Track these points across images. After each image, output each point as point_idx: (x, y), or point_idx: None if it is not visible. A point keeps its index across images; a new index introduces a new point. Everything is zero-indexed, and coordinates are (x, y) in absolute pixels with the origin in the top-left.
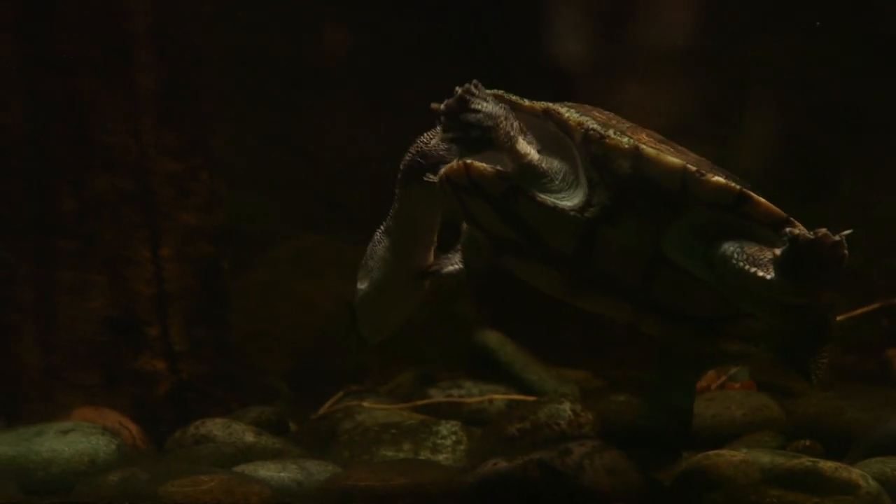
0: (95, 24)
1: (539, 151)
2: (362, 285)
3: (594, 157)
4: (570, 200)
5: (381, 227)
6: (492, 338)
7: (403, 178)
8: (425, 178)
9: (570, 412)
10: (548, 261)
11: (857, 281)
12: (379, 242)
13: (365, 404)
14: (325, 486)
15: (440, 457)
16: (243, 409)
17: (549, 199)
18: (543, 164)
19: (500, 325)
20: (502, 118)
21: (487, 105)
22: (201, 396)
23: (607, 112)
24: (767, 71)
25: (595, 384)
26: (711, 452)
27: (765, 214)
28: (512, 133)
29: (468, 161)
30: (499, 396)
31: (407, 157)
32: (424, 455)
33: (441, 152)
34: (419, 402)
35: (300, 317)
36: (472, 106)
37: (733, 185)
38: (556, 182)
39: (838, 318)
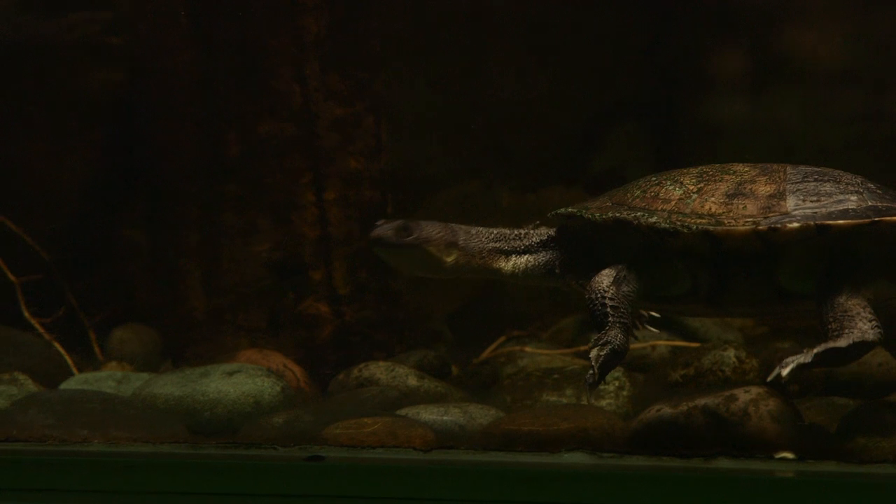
0: None
1: (632, 260)
2: (449, 258)
3: (677, 250)
4: (680, 289)
5: (496, 232)
6: None
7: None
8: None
9: (734, 359)
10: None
11: None
12: (477, 238)
13: (527, 349)
14: (487, 430)
15: (603, 402)
16: (406, 353)
17: (662, 294)
18: (644, 278)
19: None
20: (626, 318)
21: (620, 332)
22: (364, 340)
23: (668, 179)
24: None
25: (758, 331)
26: (877, 401)
27: (847, 231)
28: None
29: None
30: (662, 342)
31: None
32: (587, 400)
33: None
34: (582, 348)
35: None
36: (613, 351)
37: (810, 223)
38: (660, 280)
39: None
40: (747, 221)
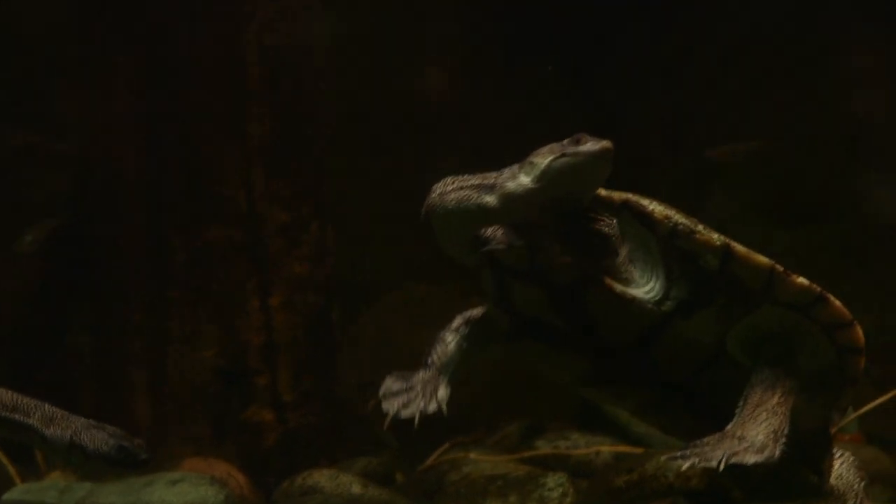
0: (209, 77)
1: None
2: (489, 198)
3: (680, 251)
4: (646, 293)
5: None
6: None
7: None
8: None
9: (677, 465)
10: (585, 350)
11: None
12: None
13: (472, 455)
14: None
15: None
16: (350, 460)
17: (628, 291)
18: (623, 254)
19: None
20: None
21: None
22: (308, 447)
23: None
24: None
25: (703, 437)
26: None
27: (832, 316)
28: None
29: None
30: (606, 448)
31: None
32: None
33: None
34: (526, 454)
35: (409, 367)
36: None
37: (814, 286)
38: (633, 273)
39: None
40: (766, 258)
